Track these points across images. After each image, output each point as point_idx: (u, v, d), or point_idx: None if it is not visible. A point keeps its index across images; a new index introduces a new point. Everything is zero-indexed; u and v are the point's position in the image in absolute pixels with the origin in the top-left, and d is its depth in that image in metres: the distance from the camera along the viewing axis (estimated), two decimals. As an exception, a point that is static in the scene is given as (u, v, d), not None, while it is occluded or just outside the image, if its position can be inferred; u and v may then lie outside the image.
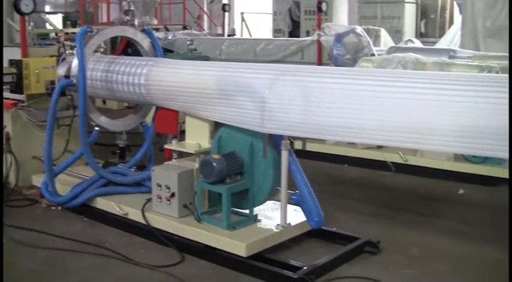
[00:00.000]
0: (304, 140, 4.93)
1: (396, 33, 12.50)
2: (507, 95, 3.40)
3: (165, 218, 4.89)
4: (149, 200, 5.09)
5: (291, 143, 4.50)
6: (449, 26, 12.81)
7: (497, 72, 6.53)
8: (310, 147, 7.18)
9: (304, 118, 4.12)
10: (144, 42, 5.88)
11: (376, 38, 9.76)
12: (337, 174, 7.16)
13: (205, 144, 4.92)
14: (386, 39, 9.90)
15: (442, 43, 10.93)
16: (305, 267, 4.25)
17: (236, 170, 4.57)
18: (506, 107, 3.35)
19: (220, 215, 4.67)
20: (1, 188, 4.57)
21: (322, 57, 8.74)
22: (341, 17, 13.30)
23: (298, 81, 4.23)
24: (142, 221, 5.01)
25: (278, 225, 4.65)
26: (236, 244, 4.43)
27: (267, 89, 4.25)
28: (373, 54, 8.13)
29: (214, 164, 4.47)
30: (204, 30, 14.34)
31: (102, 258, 4.62)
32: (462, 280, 4.26)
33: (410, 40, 10.00)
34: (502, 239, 4.96)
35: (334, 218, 5.32)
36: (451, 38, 10.92)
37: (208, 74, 4.72)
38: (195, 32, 12.50)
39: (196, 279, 4.27)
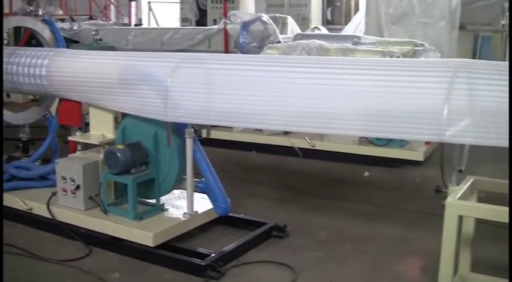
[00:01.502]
0: (208, 127, 4.94)
1: (303, 21, 12.61)
2: (407, 78, 3.51)
3: (70, 211, 4.80)
4: (54, 194, 4.98)
5: (195, 131, 4.51)
6: (355, 13, 13.04)
7: (398, 57, 6.71)
8: (218, 135, 7.25)
9: (207, 105, 4.11)
10: (45, 32, 5.73)
11: (283, 26, 9.85)
12: (244, 161, 7.21)
13: (110, 134, 4.86)
14: (293, 27, 10.00)
15: (348, 30, 11.15)
16: (213, 254, 4.26)
17: (141, 159, 4.54)
18: (406, 90, 3.45)
19: (126, 205, 4.63)
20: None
21: (229, 45, 8.75)
22: (248, 5, 13.32)
23: (201, 69, 4.22)
24: (47, 215, 4.90)
25: (185, 213, 4.64)
26: (143, 234, 4.40)
27: (169, 77, 4.22)
28: (279, 42, 8.19)
29: (119, 154, 4.43)
30: (110, 20, 14.09)
31: (6, 255, 4.50)
32: (367, 259, 4.36)
33: (316, 27, 10.16)
34: (405, 218, 5.16)
35: (242, 204, 5.36)
36: (356, 25, 11.15)
37: (111, 63, 4.66)
38: (101, 22, 12.24)
39: (104, 271, 4.22)
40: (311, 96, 3.76)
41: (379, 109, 3.52)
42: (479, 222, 4.36)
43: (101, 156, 4.75)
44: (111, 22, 13.00)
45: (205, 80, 4.14)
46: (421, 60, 6.03)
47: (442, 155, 3.64)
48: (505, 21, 11.11)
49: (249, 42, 8.27)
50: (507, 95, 3.21)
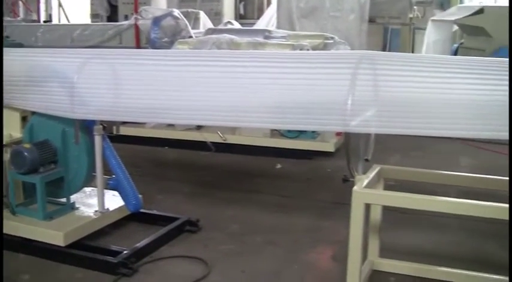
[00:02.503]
0: (117, 124, 4.88)
1: (216, 16, 12.60)
2: (313, 71, 3.57)
3: (-23, 213, 4.67)
4: (-41, 196, 4.82)
5: (104, 128, 4.45)
6: (267, 8, 13.12)
7: (308, 50, 6.80)
8: (130, 131, 7.19)
9: (115, 102, 4.07)
10: None
11: (196, 21, 9.84)
12: (157, 156, 7.18)
13: (17, 133, 4.73)
14: (205, 22, 10.01)
15: (260, 24, 11.21)
16: (126, 251, 4.22)
17: (49, 158, 4.45)
18: (312, 82, 3.50)
19: (36, 206, 4.53)
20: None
21: (140, 41, 8.66)
22: (160, 0, 13.22)
23: (108, 65, 4.16)
24: (-49, 219, 4.74)
25: (96, 211, 4.58)
26: (53, 234, 4.31)
27: (76, 73, 4.15)
28: (191, 37, 8.17)
29: (25, 153, 4.32)
30: (18, 16, 13.74)
31: None
32: (278, 250, 4.41)
33: (229, 22, 10.17)
34: (316, 208, 5.25)
35: (155, 199, 5.34)
36: (268, 19, 11.22)
37: (18, 61, 4.53)
38: (9, 18, 11.93)
39: (14, 274, 4.11)
40: (221, 90, 3.77)
41: (287, 101, 3.57)
42: (391, 210, 4.50)
43: (8, 155, 4.63)
44: (19, 18, 12.68)
45: (112, 75, 4.09)
46: (326, 52, 6.14)
47: (347, 145, 3.72)
48: (413, 15, 11.44)
49: (160, 37, 8.20)
50: (410, 84, 3.32)
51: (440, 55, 9.88)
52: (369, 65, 3.43)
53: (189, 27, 8.46)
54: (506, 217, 3.50)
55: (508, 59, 3.34)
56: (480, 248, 4.51)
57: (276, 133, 7.04)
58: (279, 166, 6.61)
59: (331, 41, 7.56)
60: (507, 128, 3.13)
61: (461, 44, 10.92)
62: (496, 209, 3.36)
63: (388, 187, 4.31)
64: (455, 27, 11.62)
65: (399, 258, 4.12)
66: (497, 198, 3.89)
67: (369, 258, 4.01)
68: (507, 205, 3.37)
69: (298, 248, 4.43)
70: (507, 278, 3.87)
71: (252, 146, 7.05)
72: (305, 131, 6.91)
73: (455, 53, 10.64)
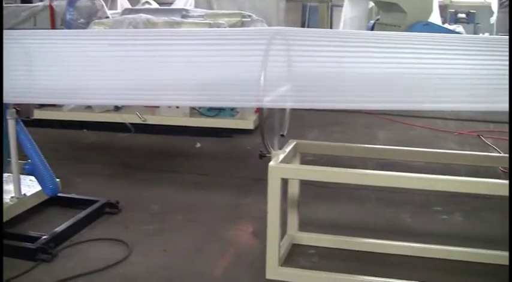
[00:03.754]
0: (31, 107, 4.79)
1: (135, -4, 12.44)
2: (230, 48, 3.56)
3: None
4: None
5: (17, 112, 4.35)
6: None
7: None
8: (47, 115, 7.05)
9: (29, 84, 3.97)
10: None
11: (113, 2, 9.69)
12: (76, 139, 7.04)
13: None
14: (123, 2, 9.87)
15: (178, 4, 11.11)
16: (44, 237, 4.15)
17: (-40, 144, 4.32)
18: (229, 59, 3.49)
19: None
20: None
21: (55, 22, 8.47)
22: (74, -20, 12.93)
23: (20, 47, 4.05)
24: None
25: (12, 197, 4.48)
26: (-33, 222, 4.21)
27: (-14, 56, 4.03)
28: (107, 17, 8.04)
29: None
30: None
31: None
32: (199, 228, 4.42)
33: (147, 2, 10.05)
34: (236, 185, 5.29)
35: (74, 183, 5.26)
36: (187, -2, 11.14)
37: None
38: None
39: None
40: (138, 69, 3.73)
41: (202, 79, 3.56)
42: (310, 184, 4.58)
43: None
44: None
45: (25, 57, 3.98)
46: (240, 29, 6.16)
47: (261, 121, 3.75)
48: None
49: (76, 18, 8.03)
50: (323, 59, 3.36)
51: (353, 30, 10.07)
52: (282, 41, 3.45)
53: (106, 8, 8.32)
54: (419, 187, 3.62)
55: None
56: (396, 217, 4.63)
57: (195, 112, 7.03)
58: (198, 145, 6.61)
59: (249, 19, 7.59)
60: (414, 99, 3.23)
61: (377, 20, 11.13)
62: (410, 179, 3.45)
63: (307, 162, 4.39)
64: (372, 4, 11.84)
65: (319, 231, 4.19)
66: (411, 169, 4.02)
67: (288, 233, 4.07)
68: (421, 175, 3.48)
69: (219, 225, 4.46)
70: (420, 245, 4.03)
71: (172, 125, 7.02)
72: (224, 109, 6.94)
73: (372, 29, 10.84)
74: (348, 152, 4.25)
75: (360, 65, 3.33)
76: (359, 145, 4.43)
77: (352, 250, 4.00)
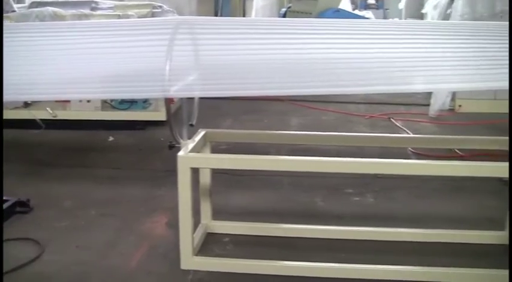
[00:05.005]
0: None
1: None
2: (134, 38, 3.51)
3: None
4: None
5: None
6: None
7: (135, 20, 6.71)
8: None
9: None
10: None
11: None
12: (-16, 138, 6.84)
13: None
14: (32, -4, 9.61)
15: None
16: (-49, 239, 4.02)
17: None
18: (134, 50, 3.43)
19: None
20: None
21: (-44, 17, 8.18)
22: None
23: None
24: None
25: None
26: None
27: None
28: (14, 11, 7.82)
29: None
30: None
31: None
32: (113, 222, 4.36)
33: (57, -6, 9.82)
34: (150, 178, 5.24)
35: (-17, 184, 5.11)
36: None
37: None
38: None
39: None
40: (43, 63, 3.64)
41: (108, 71, 3.51)
42: (224, 173, 4.59)
43: None
44: None
45: None
46: (144, 20, 6.06)
47: (168, 111, 3.73)
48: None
49: (-21, 12, 7.78)
50: (230, 47, 3.35)
51: (261, 18, 10.13)
52: (187, 30, 3.43)
53: (12, 1, 8.08)
54: (332, 170, 3.69)
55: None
56: (309, 202, 4.70)
57: (107, 106, 6.93)
58: (111, 139, 6.52)
59: (159, 10, 7.53)
60: (324, 83, 3.27)
61: (289, 8, 11.24)
62: (322, 163, 3.51)
63: (221, 151, 4.40)
64: (283, -8, 11.95)
65: (233, 219, 4.21)
66: (323, 153, 4.08)
67: (202, 222, 4.07)
68: (333, 159, 3.53)
69: (133, 218, 4.41)
70: (333, 227, 4.10)
71: (84, 120, 6.89)
72: (136, 102, 6.86)
73: (284, 17, 10.94)
74: (259, 139, 4.27)
75: (268, 52, 3.34)
76: (270, 131, 4.47)
77: (266, 236, 4.02)
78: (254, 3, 11.87)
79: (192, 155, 3.51)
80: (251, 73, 3.34)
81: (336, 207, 4.58)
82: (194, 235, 3.72)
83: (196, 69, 3.35)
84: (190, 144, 3.61)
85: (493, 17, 7.55)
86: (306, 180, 4.92)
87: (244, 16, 12.71)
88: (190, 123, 3.84)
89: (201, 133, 3.86)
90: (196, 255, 3.70)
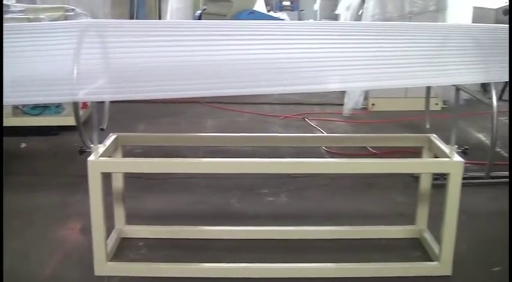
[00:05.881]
0: None
1: None
2: (41, 42, 3.43)
3: None
4: None
5: None
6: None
7: (46, 24, 6.57)
8: None
9: None
10: None
11: None
12: None
13: None
14: None
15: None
16: None
17: None
18: (45, 53, 3.35)
19: None
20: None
21: None
22: None
23: None
24: None
25: None
26: None
27: None
28: None
29: None
30: None
31: None
32: (30, 230, 4.27)
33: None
34: (65, 184, 5.14)
35: None
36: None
37: None
38: None
39: None
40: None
41: (15, 75, 3.41)
42: (138, 177, 4.55)
43: None
44: None
45: None
46: (52, 23, 5.91)
47: (77, 115, 3.67)
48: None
49: None
50: (140, 50, 3.32)
51: (174, 20, 10.11)
52: (96, 33, 3.39)
53: None
54: (247, 171, 3.71)
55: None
56: (224, 203, 4.71)
57: (18, 111, 6.75)
58: (23, 145, 6.37)
59: (72, 13, 7.38)
60: (237, 84, 3.28)
61: (204, 10, 11.23)
62: (236, 164, 3.56)
63: (136, 154, 4.36)
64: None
65: (148, 223, 4.18)
66: (239, 154, 4.10)
67: (116, 227, 4.02)
68: (247, 159, 3.56)
69: (48, 226, 4.32)
70: (248, 228, 4.13)
71: (-7, 127, 6.71)
72: (49, 107, 6.72)
73: (199, 19, 10.93)
74: (174, 142, 4.26)
75: (178, 54, 3.33)
76: (185, 134, 4.49)
77: (181, 239, 4.02)
78: (169, 5, 11.79)
79: (102, 159, 3.46)
80: (163, 75, 3.32)
81: (251, 208, 4.61)
82: (108, 240, 3.69)
83: (105, 73, 3.31)
84: (101, 149, 3.56)
85: (402, 17, 7.77)
86: (221, 182, 4.93)
87: (159, 19, 12.62)
88: (101, 127, 3.78)
89: (112, 137, 3.81)
90: (110, 260, 3.66)
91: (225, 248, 3.93)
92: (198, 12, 11.35)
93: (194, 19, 11.07)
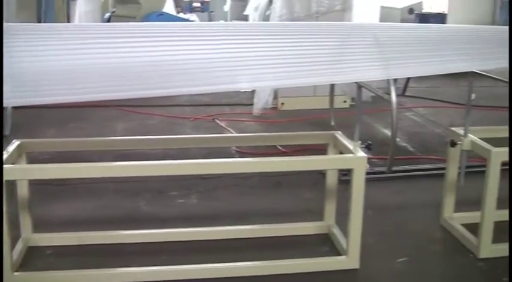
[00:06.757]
0: None
1: None
2: None
3: None
4: None
5: None
6: None
7: None
8: None
9: None
10: None
11: None
12: None
13: None
14: None
15: None
16: None
17: None
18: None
19: None
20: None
21: None
22: None
23: None
24: None
25: None
26: None
27: None
28: None
29: None
30: None
31: None
32: None
33: None
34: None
35: None
36: None
37: None
38: None
39: None
40: None
41: None
42: (46, 184, 4.44)
43: None
44: None
45: None
46: None
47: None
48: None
49: None
50: (45, 54, 3.25)
51: (81, 23, 9.96)
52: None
53: None
54: (156, 173, 3.70)
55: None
56: (133, 207, 4.67)
57: None
58: None
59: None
60: (146, 86, 3.27)
61: (113, 12, 11.10)
62: (144, 167, 3.56)
63: (44, 161, 4.25)
64: (108, -3, 11.78)
65: (56, 230, 4.10)
66: (148, 157, 4.06)
67: (23, 236, 3.92)
68: (156, 162, 3.55)
69: None
70: (158, 231, 4.11)
71: None
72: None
73: (108, 21, 10.79)
74: (81, 147, 4.18)
75: (83, 57, 3.28)
76: (93, 138, 4.42)
77: (90, 244, 3.95)
78: (77, 8, 11.59)
79: (4, 166, 3.37)
80: (69, 79, 3.27)
81: (161, 211, 4.58)
82: (13, 250, 3.60)
83: (7, 77, 3.22)
84: (4, 156, 3.47)
85: (309, 17, 7.90)
86: (131, 186, 4.89)
87: (68, 22, 12.39)
88: (4, 134, 3.70)
89: (15, 144, 3.72)
90: (17, 271, 3.57)
91: (135, 252, 3.89)
92: (107, 14, 11.20)
93: (103, 22, 10.91)
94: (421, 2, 11.97)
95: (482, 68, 3.76)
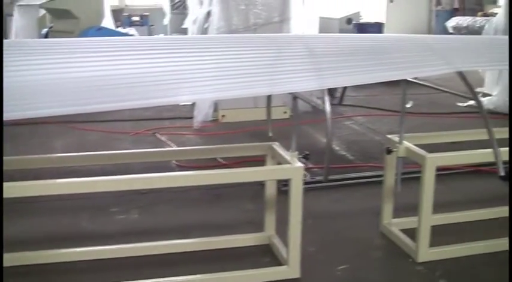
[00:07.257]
0: None
1: None
2: None
3: None
4: None
5: None
6: None
7: None
8: None
9: None
10: None
11: None
12: None
13: None
14: None
15: None
16: None
17: None
18: None
19: None
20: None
21: None
22: None
23: None
24: None
25: None
26: None
27: None
28: None
29: None
30: None
31: None
32: None
33: None
34: None
35: None
36: None
37: None
38: None
39: None
40: None
41: None
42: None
43: None
44: None
45: None
46: None
47: None
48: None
49: None
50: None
51: (18, 40, 9.80)
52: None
53: None
54: (95, 190, 3.65)
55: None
56: (74, 224, 4.62)
57: None
58: None
59: None
60: (80, 102, 3.22)
61: (50, 28, 10.96)
62: (84, 184, 3.59)
63: None
64: (44, 12, 11.61)
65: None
66: (87, 173, 4.00)
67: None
68: (95, 178, 3.52)
69: None
70: (99, 247, 4.06)
71: None
72: None
73: (46, 37, 10.64)
74: (14, 165, 4.11)
75: (29, 73, 3.22)
76: (28, 156, 4.36)
77: (25, 265, 3.87)
78: (13, 23, 11.42)
79: None
80: (10, 95, 3.22)
81: (102, 228, 4.54)
82: None
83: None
84: None
85: (247, 29, 7.94)
86: (70, 203, 4.82)
87: (6, 38, 12.18)
88: None
89: None
90: None
91: (73, 270, 3.85)
92: (45, 30, 11.03)
93: (40, 37, 10.75)
94: (358, 12, 12.16)
95: (416, 75, 3.83)
